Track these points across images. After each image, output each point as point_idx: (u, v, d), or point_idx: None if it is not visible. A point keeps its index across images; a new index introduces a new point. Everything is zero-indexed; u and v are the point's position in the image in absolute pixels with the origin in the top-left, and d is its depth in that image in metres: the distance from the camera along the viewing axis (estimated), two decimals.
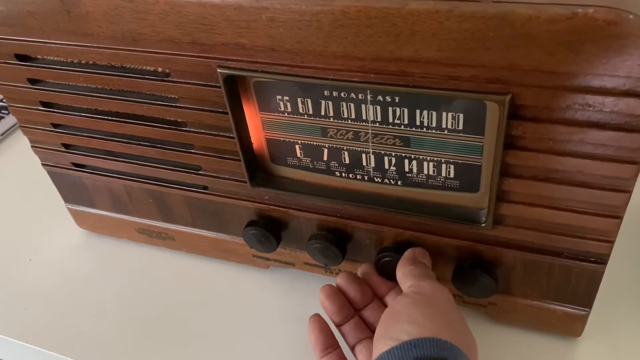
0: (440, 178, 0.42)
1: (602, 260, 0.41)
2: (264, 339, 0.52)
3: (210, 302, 0.55)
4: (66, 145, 0.54)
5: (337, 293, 0.46)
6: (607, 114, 0.33)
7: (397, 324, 0.37)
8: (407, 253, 0.45)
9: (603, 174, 0.36)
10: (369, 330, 0.45)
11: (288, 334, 0.52)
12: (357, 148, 0.43)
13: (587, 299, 0.45)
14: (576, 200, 0.38)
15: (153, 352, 0.52)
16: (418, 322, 0.37)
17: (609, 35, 0.29)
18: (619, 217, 0.38)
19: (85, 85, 0.47)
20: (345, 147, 0.43)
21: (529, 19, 0.30)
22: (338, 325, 0.46)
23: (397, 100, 0.39)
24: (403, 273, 0.43)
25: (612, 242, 0.40)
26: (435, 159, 0.41)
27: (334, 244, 0.48)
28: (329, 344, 0.44)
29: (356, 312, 0.46)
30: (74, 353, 0.52)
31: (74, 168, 0.56)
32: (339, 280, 0.46)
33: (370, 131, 0.41)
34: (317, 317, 0.46)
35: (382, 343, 0.37)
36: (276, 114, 0.43)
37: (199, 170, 0.49)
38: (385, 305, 0.47)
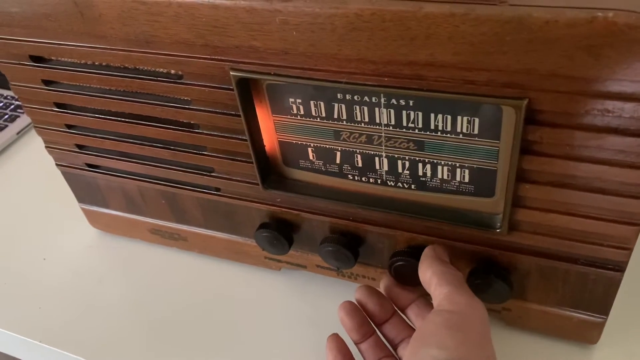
0: (454, 182, 0.42)
1: (619, 267, 0.40)
2: (275, 341, 0.51)
3: (221, 303, 0.55)
4: (80, 146, 0.54)
5: (357, 309, 0.45)
6: (626, 120, 0.32)
7: (425, 348, 0.36)
8: (429, 250, 0.43)
9: (622, 181, 0.35)
10: (387, 348, 0.44)
11: (299, 336, 0.51)
12: (370, 151, 0.42)
13: (603, 306, 0.44)
14: (593, 206, 0.37)
15: (164, 352, 0.52)
16: (447, 347, 0.35)
17: (629, 39, 0.29)
18: (638, 224, 0.37)
19: (99, 86, 0.47)
20: (358, 151, 0.43)
21: (547, 23, 0.30)
22: (357, 343, 0.45)
23: (411, 104, 0.38)
24: (433, 272, 0.40)
25: (631, 249, 0.39)
26: (450, 163, 0.41)
27: (346, 247, 0.48)
28: None
29: (376, 327, 0.45)
30: (86, 352, 0.52)
31: (87, 168, 0.56)
32: (358, 294, 0.45)
33: (383, 134, 0.41)
34: (336, 336, 0.45)
35: None
36: (289, 117, 0.43)
37: (212, 172, 0.49)
38: (406, 319, 0.46)
